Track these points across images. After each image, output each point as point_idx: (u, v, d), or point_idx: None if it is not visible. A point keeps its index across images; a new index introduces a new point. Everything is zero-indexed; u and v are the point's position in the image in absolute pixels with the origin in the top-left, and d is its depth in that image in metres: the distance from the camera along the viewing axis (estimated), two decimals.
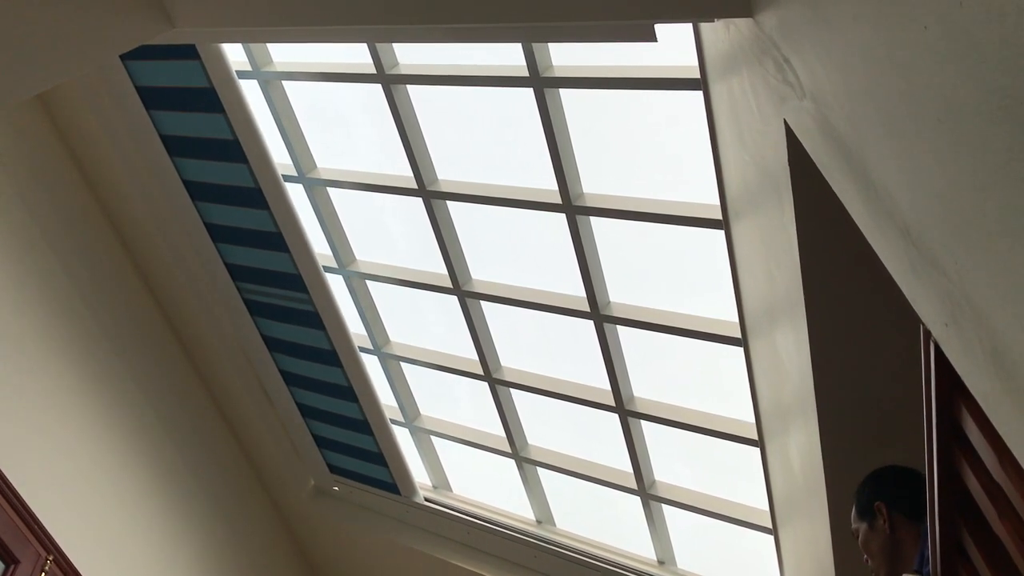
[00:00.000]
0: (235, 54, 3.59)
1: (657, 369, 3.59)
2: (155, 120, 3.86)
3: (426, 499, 4.66)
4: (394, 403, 4.51)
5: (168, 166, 3.97)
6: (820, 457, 2.52)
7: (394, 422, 4.49)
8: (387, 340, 4.32)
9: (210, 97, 3.60)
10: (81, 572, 3.47)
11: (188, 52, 3.49)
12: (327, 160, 3.85)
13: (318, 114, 3.80)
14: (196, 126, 3.78)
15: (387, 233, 4.07)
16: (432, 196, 3.49)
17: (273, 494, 5.05)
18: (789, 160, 1.88)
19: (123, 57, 3.61)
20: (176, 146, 3.92)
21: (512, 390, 3.97)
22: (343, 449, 4.73)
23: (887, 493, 2.30)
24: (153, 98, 3.80)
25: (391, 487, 4.67)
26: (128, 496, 4.18)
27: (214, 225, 4.12)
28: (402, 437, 4.55)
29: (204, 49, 3.46)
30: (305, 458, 4.87)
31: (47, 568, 3.24)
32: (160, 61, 3.63)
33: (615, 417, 3.64)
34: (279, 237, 3.93)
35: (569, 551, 4.24)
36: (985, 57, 0.93)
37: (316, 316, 4.14)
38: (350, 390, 4.34)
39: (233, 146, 3.72)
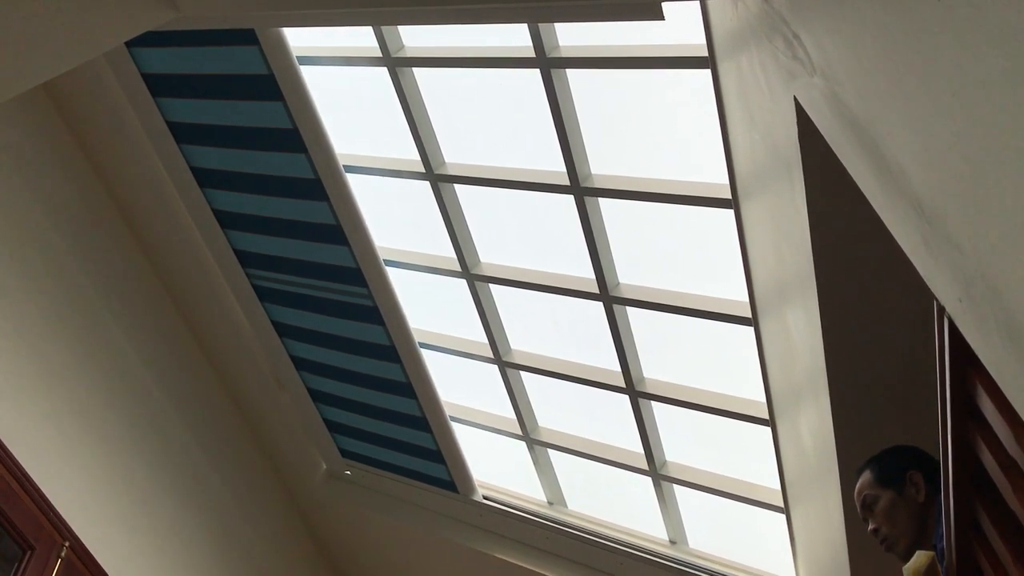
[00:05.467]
0: None
1: (667, 350, 3.58)
2: (192, 108, 3.72)
3: (484, 497, 4.52)
4: None
5: (181, 155, 3.95)
6: (832, 435, 2.52)
7: None
8: None
9: (269, 84, 3.42)
10: (97, 558, 3.48)
11: (247, 37, 3.29)
12: (333, 143, 3.83)
13: (323, 97, 3.78)
14: (252, 115, 3.60)
15: (394, 217, 4.06)
16: (439, 180, 3.48)
17: (287, 479, 5.07)
18: (799, 137, 1.87)
19: (152, 42, 3.44)
20: (201, 136, 3.84)
21: (522, 373, 3.97)
22: (396, 446, 4.59)
23: (922, 464, 2.29)
24: (185, 86, 3.67)
25: (449, 485, 4.53)
26: (142, 482, 4.20)
27: (260, 217, 3.97)
28: None
29: (263, 34, 3.25)
30: (317, 442, 4.88)
31: (63, 555, 3.26)
32: (211, 47, 3.45)
33: (625, 398, 3.64)
34: (338, 230, 3.78)
35: (581, 532, 4.26)
36: (1001, 30, 0.92)
37: (375, 311, 3.98)
38: (408, 386, 4.19)
39: (292, 135, 3.55)
